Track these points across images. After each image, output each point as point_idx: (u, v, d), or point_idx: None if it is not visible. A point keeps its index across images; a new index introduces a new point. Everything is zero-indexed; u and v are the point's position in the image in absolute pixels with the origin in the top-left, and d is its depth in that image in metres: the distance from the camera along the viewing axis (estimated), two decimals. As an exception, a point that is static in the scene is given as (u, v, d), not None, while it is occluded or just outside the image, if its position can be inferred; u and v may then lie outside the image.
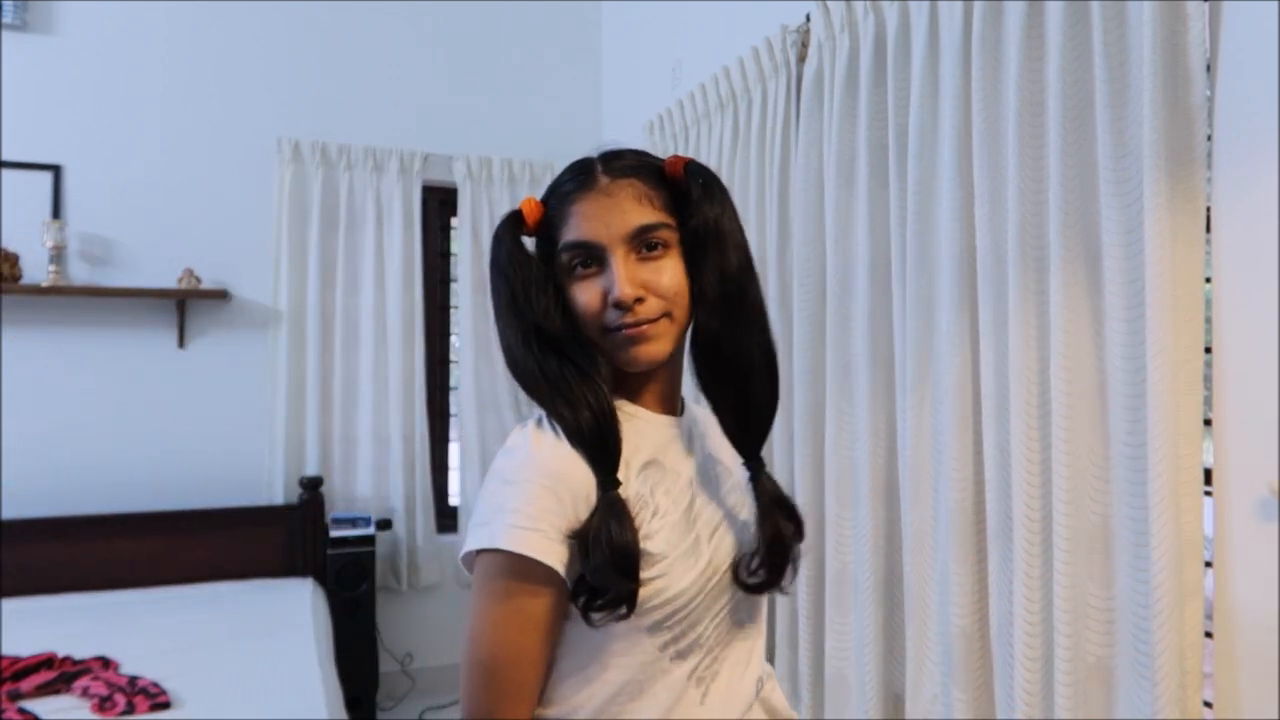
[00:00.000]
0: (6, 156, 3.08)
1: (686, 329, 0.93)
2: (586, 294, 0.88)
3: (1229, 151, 1.32)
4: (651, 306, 0.87)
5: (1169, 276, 1.33)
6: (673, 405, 0.98)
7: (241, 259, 3.35)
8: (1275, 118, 1.26)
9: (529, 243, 0.93)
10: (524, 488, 0.83)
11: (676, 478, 0.93)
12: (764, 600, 0.99)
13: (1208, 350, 1.36)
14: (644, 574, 0.83)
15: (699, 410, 1.03)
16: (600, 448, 0.84)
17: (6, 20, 3.06)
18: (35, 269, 3.08)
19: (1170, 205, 1.33)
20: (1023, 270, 1.58)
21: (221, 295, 3.22)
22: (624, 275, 0.86)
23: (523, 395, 0.90)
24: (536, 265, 0.91)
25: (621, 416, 0.89)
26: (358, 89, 3.54)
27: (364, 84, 3.54)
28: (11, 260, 3.00)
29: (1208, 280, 1.37)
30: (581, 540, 0.81)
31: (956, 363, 1.72)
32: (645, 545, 0.84)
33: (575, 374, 0.87)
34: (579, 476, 0.83)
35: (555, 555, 0.81)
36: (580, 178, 0.91)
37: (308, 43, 3.48)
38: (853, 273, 2.06)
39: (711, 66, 2.78)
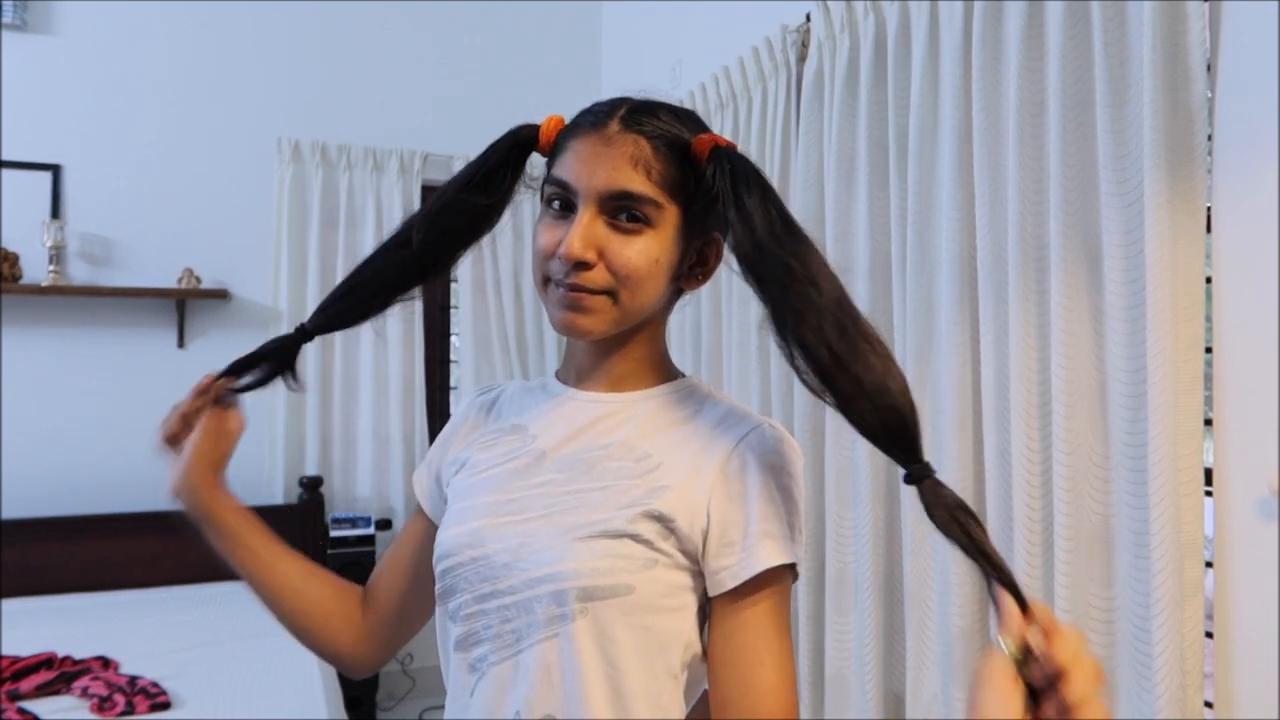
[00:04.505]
0: (6, 156, 3.08)
1: (640, 317, 0.83)
2: (545, 235, 0.82)
3: (1229, 151, 1.32)
4: (596, 277, 0.79)
5: (1169, 276, 1.33)
6: (596, 383, 0.88)
7: (241, 259, 3.34)
8: (1275, 118, 1.26)
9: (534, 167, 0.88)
10: None
11: (523, 446, 0.86)
12: (559, 636, 0.77)
13: (1208, 350, 1.36)
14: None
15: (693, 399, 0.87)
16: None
17: (6, 20, 3.06)
18: (35, 269, 3.07)
19: (1170, 205, 1.33)
20: (1023, 270, 1.58)
21: (221, 295, 3.22)
22: (579, 232, 0.78)
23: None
24: (486, 180, 0.86)
25: (530, 387, 0.94)
26: (358, 89, 3.53)
27: (364, 84, 3.54)
28: (11, 260, 3.00)
29: (1208, 280, 1.37)
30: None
31: (956, 363, 1.72)
32: (448, 491, 0.90)
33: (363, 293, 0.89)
34: (452, 418, 0.97)
35: (417, 476, 0.98)
36: (597, 115, 0.83)
37: (308, 43, 3.48)
38: (853, 273, 2.05)
39: (711, 66, 2.78)
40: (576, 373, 0.90)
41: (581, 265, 0.78)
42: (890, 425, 0.69)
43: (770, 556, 0.78)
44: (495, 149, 0.86)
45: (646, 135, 0.81)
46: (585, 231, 0.78)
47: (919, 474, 0.68)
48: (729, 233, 0.78)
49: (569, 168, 0.81)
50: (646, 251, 0.80)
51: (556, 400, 0.89)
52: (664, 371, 0.89)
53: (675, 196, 0.81)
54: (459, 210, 0.86)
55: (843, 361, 0.70)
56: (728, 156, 0.80)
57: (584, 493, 0.81)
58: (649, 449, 0.82)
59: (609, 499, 0.80)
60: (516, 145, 0.87)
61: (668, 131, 0.82)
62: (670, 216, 0.81)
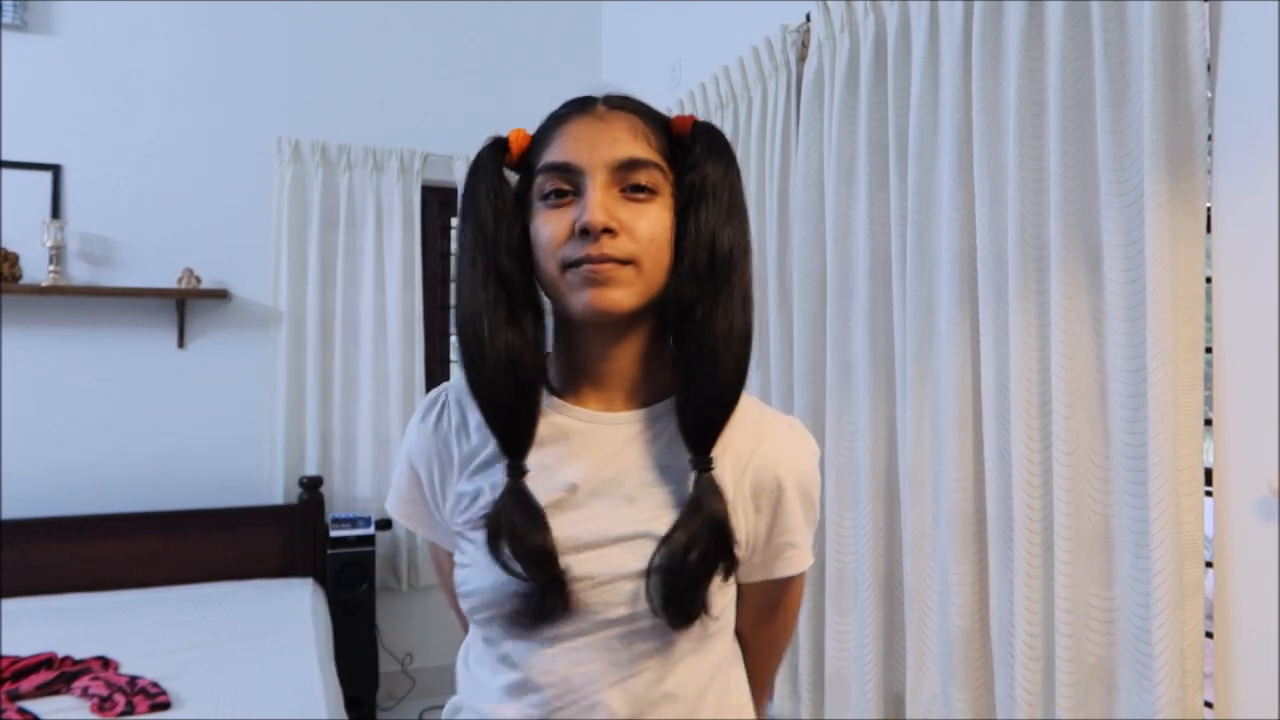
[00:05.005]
0: (6, 156, 3.08)
1: (655, 290, 0.81)
2: (553, 224, 0.79)
3: (1229, 151, 1.32)
4: (621, 245, 0.77)
5: (1169, 276, 1.33)
6: (613, 401, 0.86)
7: (241, 259, 3.34)
8: (1275, 118, 1.26)
9: (510, 178, 0.86)
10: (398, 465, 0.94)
11: (546, 478, 0.82)
12: (683, 662, 0.82)
13: (1208, 350, 1.36)
14: (458, 558, 0.87)
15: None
16: (505, 426, 0.81)
17: (6, 20, 3.06)
18: (35, 269, 3.07)
19: (1170, 205, 1.33)
20: (1023, 270, 1.58)
21: (221, 295, 3.22)
22: (598, 198, 0.77)
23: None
24: (511, 202, 0.83)
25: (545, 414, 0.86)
26: (358, 89, 3.53)
27: (364, 84, 3.54)
28: (11, 260, 3.00)
29: (1208, 280, 1.37)
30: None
31: (956, 363, 1.72)
32: (466, 530, 0.85)
33: (512, 330, 0.80)
34: (416, 451, 0.90)
35: (402, 513, 0.93)
36: (578, 103, 0.84)
37: (307, 43, 3.48)
38: (853, 273, 2.06)
39: (711, 66, 2.78)
40: (585, 383, 0.86)
41: (606, 232, 0.77)
42: (708, 420, 0.80)
43: (789, 566, 0.89)
44: (486, 172, 0.83)
45: (635, 112, 0.84)
46: (603, 200, 0.77)
47: (704, 465, 0.80)
48: (689, 193, 0.81)
49: (567, 150, 0.80)
50: (660, 219, 0.80)
51: (570, 422, 0.85)
52: (672, 373, 0.88)
53: (670, 167, 0.83)
54: (517, 236, 0.83)
55: (718, 359, 0.80)
56: (707, 130, 0.84)
57: (635, 523, 0.81)
58: (684, 465, 0.82)
59: (660, 529, 0.80)
60: (496, 159, 0.85)
61: (650, 111, 0.86)
62: (669, 185, 0.83)
